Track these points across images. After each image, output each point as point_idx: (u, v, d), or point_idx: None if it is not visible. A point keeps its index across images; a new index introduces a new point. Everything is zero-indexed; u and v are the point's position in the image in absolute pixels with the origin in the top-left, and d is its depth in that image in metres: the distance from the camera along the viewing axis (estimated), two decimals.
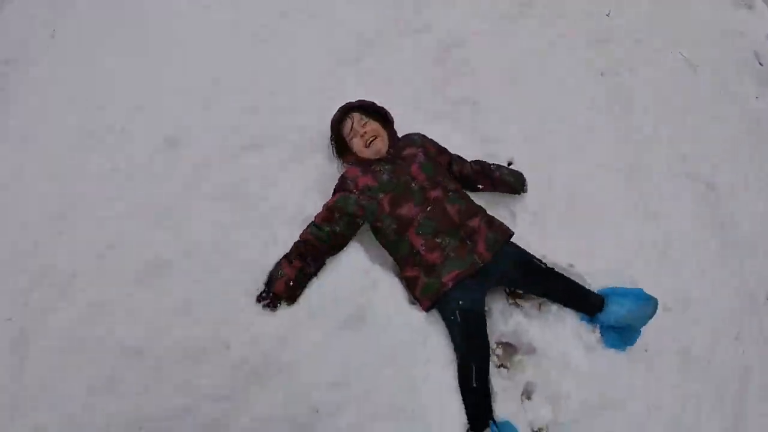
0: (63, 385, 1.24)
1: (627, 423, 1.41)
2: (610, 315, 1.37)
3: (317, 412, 1.22)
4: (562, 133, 1.90)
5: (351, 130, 1.48)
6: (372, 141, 1.44)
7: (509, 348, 1.45)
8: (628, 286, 1.48)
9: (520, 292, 1.48)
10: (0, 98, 1.81)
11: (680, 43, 2.62)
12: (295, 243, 1.31)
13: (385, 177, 1.38)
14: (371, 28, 1.95)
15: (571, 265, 1.53)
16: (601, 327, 1.43)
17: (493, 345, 1.39)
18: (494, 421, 1.24)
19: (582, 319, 1.45)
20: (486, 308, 1.41)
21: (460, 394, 1.25)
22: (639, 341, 1.47)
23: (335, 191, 1.42)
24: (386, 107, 1.59)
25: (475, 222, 1.36)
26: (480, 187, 1.57)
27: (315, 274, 1.31)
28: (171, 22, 1.94)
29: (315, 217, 1.35)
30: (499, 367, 1.42)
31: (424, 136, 1.56)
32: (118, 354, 1.27)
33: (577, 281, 1.43)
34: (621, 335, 1.43)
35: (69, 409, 1.22)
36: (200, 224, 1.40)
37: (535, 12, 2.25)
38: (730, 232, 2.08)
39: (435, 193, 1.37)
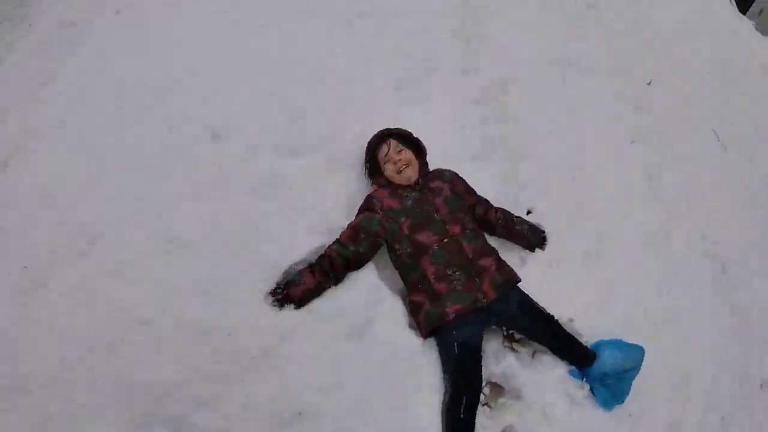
0: (64, 340, 1.29)
1: None
2: (601, 364, 1.41)
3: (300, 414, 1.25)
4: (589, 191, 1.93)
5: (386, 155, 1.55)
6: (404, 168, 1.52)
7: (496, 388, 1.46)
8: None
9: (517, 336, 1.50)
10: (63, 53, 1.94)
11: (713, 121, 2.66)
12: (320, 257, 1.38)
13: (409, 203, 1.46)
14: (423, 61, 2.03)
15: (571, 320, 1.55)
16: (591, 381, 1.45)
17: None
18: None
19: (570, 373, 1.46)
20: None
21: (443, 424, 1.27)
22: (627, 403, 1.47)
23: (360, 211, 1.49)
24: (422, 139, 1.66)
25: (486, 262, 1.40)
26: (498, 234, 1.62)
27: (332, 286, 1.37)
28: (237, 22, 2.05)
29: (340, 236, 1.41)
30: (483, 405, 1.44)
31: (455, 173, 1.63)
32: (125, 320, 1.32)
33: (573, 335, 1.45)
34: (611, 391, 1.44)
35: (66, 363, 1.27)
36: (229, 213, 1.47)
37: (582, 65, 2.31)
38: (740, 317, 2.07)
39: (454, 228, 1.43)
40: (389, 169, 1.54)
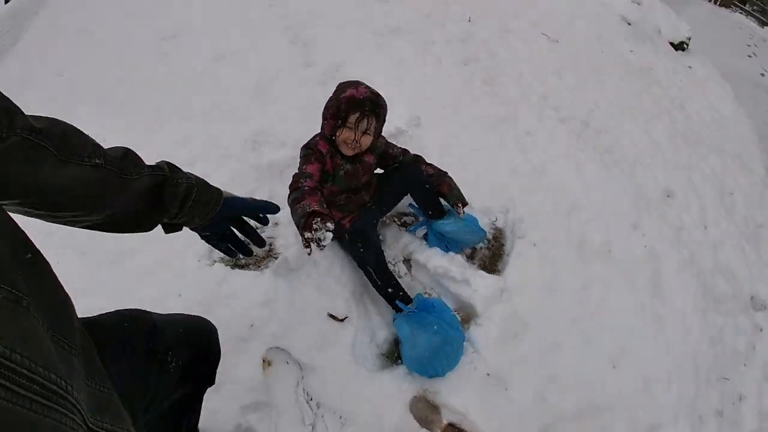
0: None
1: (529, 304, 1.59)
2: (439, 226, 1.61)
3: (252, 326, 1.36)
4: (440, 107, 2.28)
5: (356, 126, 1.33)
6: (357, 148, 1.38)
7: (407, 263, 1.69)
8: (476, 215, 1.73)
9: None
10: None
11: (542, 27, 3.17)
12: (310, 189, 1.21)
13: (341, 173, 1.42)
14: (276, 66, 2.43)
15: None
16: (430, 230, 1.66)
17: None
18: (408, 300, 1.45)
19: (415, 210, 1.68)
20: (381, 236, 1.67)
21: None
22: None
23: (312, 161, 1.35)
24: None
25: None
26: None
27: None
28: None
29: (308, 182, 1.26)
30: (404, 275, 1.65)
31: (385, 142, 1.57)
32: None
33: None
34: (444, 243, 1.65)
35: None
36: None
37: (408, 34, 2.78)
38: (613, 155, 2.39)
39: (366, 196, 1.54)
40: (347, 138, 1.35)
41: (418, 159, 1.65)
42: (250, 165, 1.80)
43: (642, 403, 1.55)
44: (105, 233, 0.68)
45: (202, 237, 0.82)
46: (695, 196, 2.41)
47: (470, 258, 1.73)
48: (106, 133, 1.02)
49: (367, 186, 1.54)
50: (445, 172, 1.63)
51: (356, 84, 1.37)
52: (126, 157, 0.63)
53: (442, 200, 1.62)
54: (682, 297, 1.89)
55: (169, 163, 0.71)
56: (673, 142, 2.69)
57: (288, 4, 2.75)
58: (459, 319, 1.52)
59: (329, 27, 2.60)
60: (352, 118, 1.33)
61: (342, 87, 1.38)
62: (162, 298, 1.35)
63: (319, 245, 1.00)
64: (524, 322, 1.56)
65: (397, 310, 1.45)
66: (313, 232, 1.00)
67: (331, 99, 1.39)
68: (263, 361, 1.35)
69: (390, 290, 1.46)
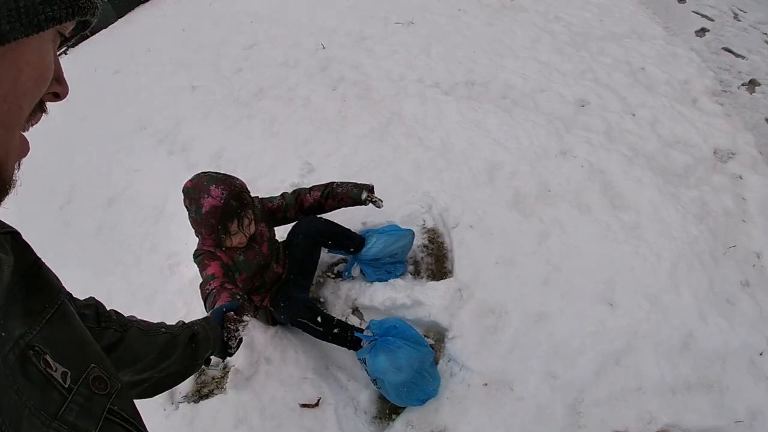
0: None
1: (492, 288, 1.45)
2: (365, 254, 1.49)
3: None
4: (326, 142, 2.24)
5: (243, 230, 1.26)
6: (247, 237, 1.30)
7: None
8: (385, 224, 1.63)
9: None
10: None
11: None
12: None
13: (241, 259, 1.32)
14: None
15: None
16: (361, 264, 1.54)
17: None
18: (360, 330, 1.31)
19: (350, 260, 1.56)
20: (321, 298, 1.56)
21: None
22: None
23: (207, 262, 1.24)
24: None
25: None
26: (327, 210, 1.49)
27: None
28: None
29: (216, 284, 1.16)
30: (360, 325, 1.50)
31: (258, 202, 1.43)
32: None
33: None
34: (382, 269, 1.52)
35: None
36: None
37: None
38: (508, 99, 2.32)
39: (277, 268, 1.43)
40: (238, 242, 1.28)
41: (299, 195, 1.47)
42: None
43: (658, 322, 1.38)
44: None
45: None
46: (609, 91, 2.32)
47: (416, 274, 1.60)
48: None
49: (274, 256, 1.43)
50: (330, 182, 1.48)
51: (205, 187, 1.22)
52: (163, 323, 0.84)
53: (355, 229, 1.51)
54: (644, 194, 1.75)
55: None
56: (563, 53, 2.64)
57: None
58: (427, 337, 1.38)
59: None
60: (233, 227, 1.25)
61: (195, 198, 1.23)
62: None
63: (239, 339, 0.99)
64: (496, 310, 1.42)
65: (357, 346, 1.30)
66: (230, 332, 0.97)
67: (192, 216, 1.26)
68: None
69: (336, 330, 1.32)
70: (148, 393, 0.80)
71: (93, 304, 0.69)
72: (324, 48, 2.98)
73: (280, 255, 1.47)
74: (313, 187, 1.49)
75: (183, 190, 1.27)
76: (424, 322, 1.42)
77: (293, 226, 1.49)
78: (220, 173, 1.27)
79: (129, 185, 2.37)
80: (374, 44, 2.90)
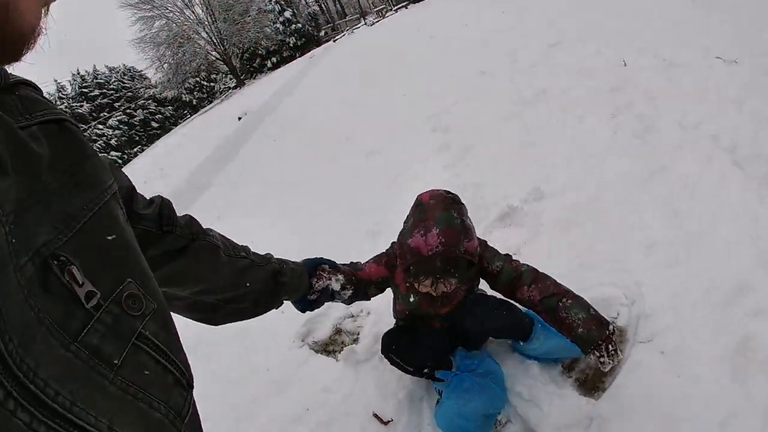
0: None
1: None
2: (523, 349, 1.26)
3: (307, 410, 1.47)
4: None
5: (433, 288, 1.08)
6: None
7: None
8: None
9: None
10: None
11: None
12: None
13: (413, 298, 1.19)
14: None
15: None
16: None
17: None
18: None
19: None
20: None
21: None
22: None
23: (382, 262, 1.20)
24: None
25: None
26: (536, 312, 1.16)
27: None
28: None
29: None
30: None
31: (483, 253, 1.19)
32: None
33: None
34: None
35: None
36: None
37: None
38: None
39: (436, 323, 1.27)
40: (422, 290, 1.11)
41: (515, 281, 1.12)
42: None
43: None
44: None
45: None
46: None
47: (567, 369, 1.27)
48: None
49: (446, 317, 1.24)
50: (565, 293, 1.06)
51: (429, 225, 1.02)
52: (247, 249, 0.78)
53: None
54: None
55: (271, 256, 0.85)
56: None
57: None
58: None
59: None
60: (425, 282, 1.06)
61: (415, 221, 1.06)
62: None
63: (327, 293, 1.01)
64: None
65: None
66: (320, 279, 0.99)
67: (402, 231, 1.10)
68: None
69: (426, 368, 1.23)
70: (212, 321, 0.71)
71: (157, 203, 0.60)
72: (625, 65, 2.62)
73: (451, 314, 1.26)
74: (538, 277, 1.11)
75: (416, 200, 1.11)
76: (529, 427, 1.15)
77: (483, 309, 1.19)
78: (460, 219, 1.04)
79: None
80: (682, 74, 2.23)
